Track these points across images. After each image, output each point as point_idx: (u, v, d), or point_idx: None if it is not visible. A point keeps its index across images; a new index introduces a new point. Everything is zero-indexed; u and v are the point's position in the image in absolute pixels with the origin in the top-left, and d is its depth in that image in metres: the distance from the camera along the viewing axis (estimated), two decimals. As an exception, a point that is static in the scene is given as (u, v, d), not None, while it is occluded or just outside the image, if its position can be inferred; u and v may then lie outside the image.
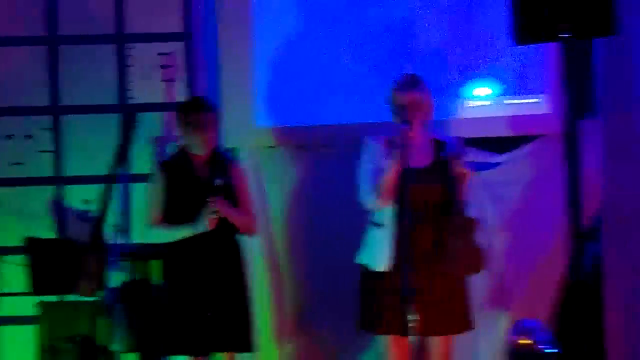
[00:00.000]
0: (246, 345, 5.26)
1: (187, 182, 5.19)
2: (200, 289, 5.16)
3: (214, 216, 5.05)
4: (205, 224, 5.08)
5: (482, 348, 5.86)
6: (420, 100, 5.01)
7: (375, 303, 5.06)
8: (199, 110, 5.18)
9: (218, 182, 5.10)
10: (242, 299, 5.25)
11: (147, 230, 5.25)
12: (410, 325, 4.72)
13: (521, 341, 5.21)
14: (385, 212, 5.02)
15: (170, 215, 5.18)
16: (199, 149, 5.19)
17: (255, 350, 5.32)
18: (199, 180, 5.18)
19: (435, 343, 5.03)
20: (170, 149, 5.67)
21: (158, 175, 5.24)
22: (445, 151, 5.05)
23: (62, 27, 6.26)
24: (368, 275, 5.09)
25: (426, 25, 5.95)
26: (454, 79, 5.91)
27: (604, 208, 5.51)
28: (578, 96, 5.28)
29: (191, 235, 5.13)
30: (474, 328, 5.04)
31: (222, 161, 5.27)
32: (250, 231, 5.30)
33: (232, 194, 5.22)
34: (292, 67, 5.99)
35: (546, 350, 5.16)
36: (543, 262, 5.75)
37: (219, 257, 5.19)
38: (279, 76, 6.01)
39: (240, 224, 5.21)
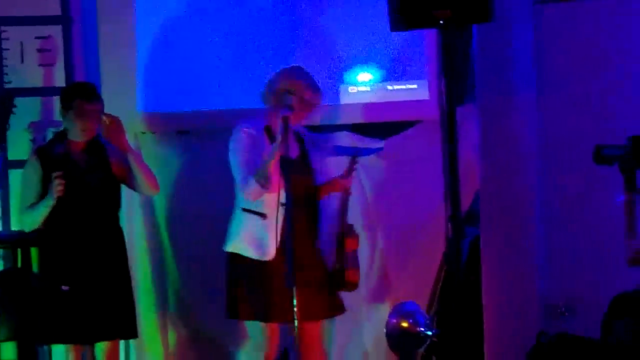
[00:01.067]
0: (129, 332, 5.16)
1: (63, 169, 5.02)
2: (78, 274, 5.02)
3: (60, 187, 4.93)
4: (54, 189, 4.94)
5: (365, 333, 5.85)
6: (299, 86, 4.96)
7: (255, 291, 4.98)
8: (84, 98, 5.04)
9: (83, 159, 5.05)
10: (123, 285, 5.14)
11: (20, 217, 5.12)
12: (294, 311, 4.68)
13: (400, 323, 5.23)
14: (266, 201, 4.91)
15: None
16: (79, 136, 5.07)
17: (137, 336, 5.23)
18: (76, 166, 5.06)
19: (306, 328, 4.95)
20: (48, 135, 5.53)
21: (33, 161, 5.10)
22: (305, 144, 5.06)
23: None
24: (244, 263, 5.00)
25: (309, 12, 5.85)
26: (337, 65, 5.82)
27: (481, 192, 5.50)
28: (456, 82, 5.21)
29: (66, 218, 5.01)
30: (344, 311, 5.05)
31: (99, 144, 5.15)
32: (152, 187, 5.18)
33: (110, 175, 5.12)
34: (173, 52, 5.89)
35: (424, 332, 5.19)
36: (423, 246, 5.75)
37: (98, 242, 5.08)
38: (161, 62, 5.89)
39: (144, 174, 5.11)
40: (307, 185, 4.98)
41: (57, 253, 5.06)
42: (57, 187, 4.93)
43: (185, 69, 5.89)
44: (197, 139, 5.88)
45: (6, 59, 5.98)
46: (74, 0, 5.98)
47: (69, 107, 5.04)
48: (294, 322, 4.74)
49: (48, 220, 5.05)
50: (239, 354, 5.77)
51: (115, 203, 5.15)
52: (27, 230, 5.12)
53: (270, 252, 4.91)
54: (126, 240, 5.25)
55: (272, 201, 4.86)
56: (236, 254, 4.99)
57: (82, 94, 5.05)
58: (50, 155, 5.09)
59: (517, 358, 5.19)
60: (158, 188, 5.24)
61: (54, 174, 4.93)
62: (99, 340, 5.11)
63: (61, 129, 5.22)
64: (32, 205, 5.04)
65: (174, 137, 5.94)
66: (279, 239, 4.86)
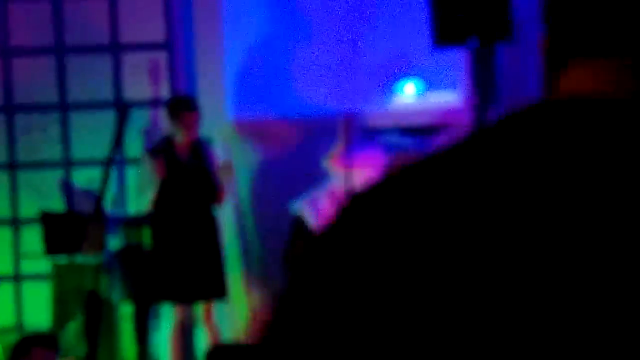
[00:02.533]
0: (221, 293, 5.42)
1: (170, 165, 5.36)
2: (183, 247, 5.33)
3: (160, 168, 5.23)
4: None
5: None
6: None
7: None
8: (187, 109, 5.35)
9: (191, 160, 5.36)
10: (217, 256, 5.43)
11: (139, 200, 5.35)
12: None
13: None
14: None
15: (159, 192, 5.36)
16: (182, 138, 5.37)
17: (226, 297, 5.47)
18: (180, 163, 5.39)
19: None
20: (156, 138, 5.78)
21: (147, 160, 5.41)
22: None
23: (68, 38, 6.30)
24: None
25: (366, 36, 6.00)
26: (388, 77, 5.98)
27: None
28: (484, 92, 5.36)
29: (172, 204, 5.29)
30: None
31: (200, 147, 5.46)
32: (219, 200, 5.48)
33: (207, 172, 5.42)
34: (256, 68, 6.05)
35: None
36: None
37: (198, 222, 5.38)
38: (247, 75, 6.07)
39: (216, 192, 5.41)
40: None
41: (166, 232, 5.38)
42: (158, 168, 5.22)
43: (268, 80, 6.05)
44: (277, 143, 6.03)
45: (123, 78, 6.27)
46: (175, 28, 6.21)
47: (176, 116, 5.36)
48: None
49: (158, 205, 5.35)
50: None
51: (212, 196, 5.41)
52: (145, 210, 5.39)
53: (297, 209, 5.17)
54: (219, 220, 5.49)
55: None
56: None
57: (185, 106, 5.36)
58: (161, 155, 5.41)
59: None
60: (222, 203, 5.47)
61: (154, 159, 5.23)
62: (197, 300, 5.40)
63: (168, 134, 5.50)
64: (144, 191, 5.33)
65: (260, 140, 6.09)
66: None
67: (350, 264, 0.58)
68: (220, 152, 5.71)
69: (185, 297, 5.41)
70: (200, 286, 5.38)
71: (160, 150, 5.48)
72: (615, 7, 0.63)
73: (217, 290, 5.47)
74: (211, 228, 5.47)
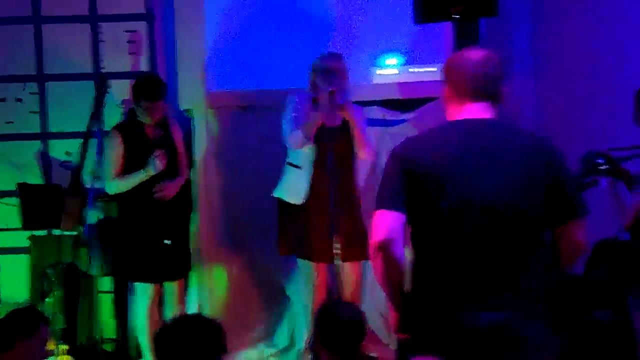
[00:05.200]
0: (185, 273, 5.31)
1: (141, 142, 5.11)
2: (155, 224, 5.12)
3: (162, 164, 5.03)
4: (157, 165, 5.04)
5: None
6: (342, 69, 5.06)
7: (296, 232, 5.07)
8: (150, 99, 5.02)
9: (156, 136, 5.10)
10: (184, 238, 5.27)
11: (107, 184, 5.14)
12: (335, 253, 4.80)
13: None
14: (302, 155, 5.05)
15: (127, 169, 5.10)
16: (148, 122, 5.10)
17: (187, 276, 5.36)
18: (149, 141, 5.12)
19: (347, 270, 5.04)
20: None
21: (114, 136, 5.12)
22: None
23: (45, 9, 6.12)
24: (287, 207, 5.10)
25: (347, 7, 5.86)
26: (369, 51, 5.83)
27: None
28: None
29: (146, 179, 5.05)
30: None
31: (165, 123, 5.19)
32: (182, 172, 5.25)
33: (172, 147, 5.19)
34: (237, 40, 5.87)
35: None
36: None
37: (167, 202, 5.12)
38: (226, 47, 5.88)
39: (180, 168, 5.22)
40: (344, 147, 5.01)
41: (134, 209, 5.12)
42: (159, 164, 5.00)
43: (244, 53, 5.85)
44: (255, 112, 5.83)
45: (102, 49, 6.03)
46: (155, 0, 6.00)
47: (138, 103, 5.04)
48: (328, 263, 4.86)
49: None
50: (290, 287, 5.77)
51: (176, 169, 5.18)
52: (110, 193, 5.14)
53: (301, 197, 5.01)
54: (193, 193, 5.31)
55: (307, 157, 5.03)
56: (279, 198, 5.11)
57: (147, 94, 5.01)
58: (129, 132, 5.12)
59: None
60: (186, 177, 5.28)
61: (156, 152, 5.00)
62: (166, 280, 5.21)
63: (130, 109, 5.21)
64: (123, 176, 5.06)
65: (236, 111, 5.88)
66: (308, 186, 4.99)
67: (395, 157, 3.06)
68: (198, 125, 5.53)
69: (155, 278, 5.20)
70: (169, 267, 5.19)
71: (128, 128, 5.16)
72: (482, 79, 3.03)
73: (184, 270, 5.32)
74: (180, 205, 5.25)
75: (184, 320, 3.31)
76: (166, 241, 5.12)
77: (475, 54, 3.05)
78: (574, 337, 4.99)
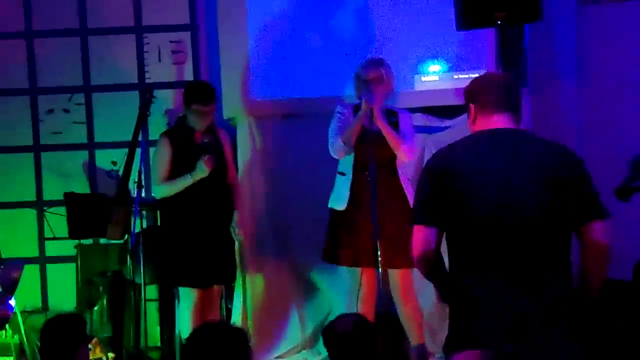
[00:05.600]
0: (233, 277, 5.32)
1: (189, 147, 5.13)
2: (200, 230, 5.12)
3: (207, 165, 5.02)
4: (204, 169, 5.04)
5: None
6: (381, 77, 5.05)
7: (341, 239, 5.05)
8: (201, 102, 5.07)
9: (205, 142, 5.10)
10: (229, 244, 5.27)
11: (154, 188, 5.17)
12: (378, 259, 4.73)
13: None
14: (346, 162, 5.04)
15: (174, 173, 5.13)
16: (198, 127, 5.12)
17: (234, 282, 5.37)
18: (197, 147, 5.14)
19: (396, 276, 5.00)
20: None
21: (163, 141, 5.16)
22: (397, 121, 5.08)
23: (90, 21, 6.16)
24: (334, 215, 5.09)
25: (389, 14, 5.81)
26: (412, 58, 5.78)
27: None
28: (511, 71, 5.14)
29: (191, 184, 5.05)
30: None
31: (214, 130, 5.23)
32: (233, 181, 5.29)
33: (220, 154, 5.20)
34: (280, 48, 5.86)
35: None
36: None
37: (213, 204, 5.15)
38: (268, 56, 5.88)
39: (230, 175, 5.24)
40: (385, 152, 4.98)
41: (182, 214, 5.14)
42: (206, 167, 5.01)
43: (287, 61, 5.84)
44: (299, 120, 5.81)
45: (147, 59, 6.11)
46: (199, 11, 6.04)
47: (189, 107, 5.07)
48: (375, 269, 4.78)
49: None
50: (334, 296, 5.71)
51: (224, 176, 5.20)
52: (158, 197, 5.19)
53: (344, 204, 4.99)
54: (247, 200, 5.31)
55: (349, 163, 5.02)
56: (331, 207, 5.10)
57: (200, 98, 5.06)
58: (178, 138, 5.16)
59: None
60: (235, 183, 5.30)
61: (203, 157, 5.02)
62: (214, 284, 5.22)
63: (180, 115, 5.26)
64: (171, 180, 5.10)
65: (280, 119, 5.88)
66: (349, 192, 4.97)
67: (428, 170, 3.30)
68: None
69: (203, 282, 5.20)
70: (217, 271, 5.21)
71: (176, 134, 5.20)
72: (507, 92, 3.30)
73: (231, 274, 5.34)
74: (226, 208, 5.25)
75: (208, 328, 3.31)
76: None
77: (496, 74, 3.75)
78: (628, 344, 4.92)
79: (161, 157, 5.14)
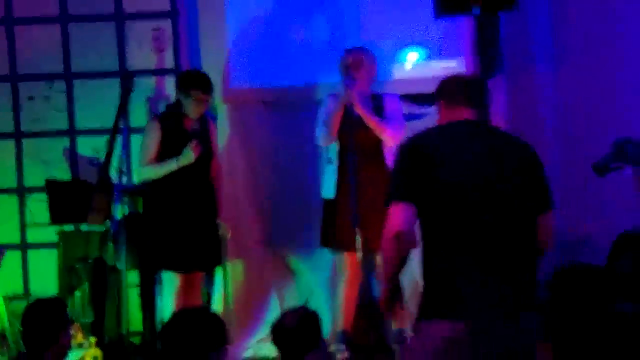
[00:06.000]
0: (218, 262, 5.33)
1: (178, 133, 5.15)
2: (184, 216, 5.14)
3: (194, 150, 5.05)
4: (190, 155, 5.06)
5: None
6: (360, 61, 5.06)
7: (329, 225, 5.09)
8: (201, 89, 5.10)
9: (194, 129, 5.11)
10: (214, 229, 5.27)
11: (138, 170, 5.17)
12: (358, 244, 4.79)
13: None
14: (332, 150, 5.06)
15: (161, 158, 5.15)
16: (193, 114, 5.15)
17: (220, 266, 5.35)
18: (186, 133, 5.17)
19: (379, 262, 4.98)
20: (162, 106, 5.58)
21: (153, 125, 5.18)
22: (380, 105, 5.09)
23: (71, 7, 6.11)
24: (325, 203, 5.13)
25: (370, 4, 5.84)
26: (390, 46, 5.78)
27: None
28: (487, 59, 5.22)
29: (175, 169, 5.08)
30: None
31: (204, 119, 5.26)
32: (217, 173, 5.31)
33: (207, 141, 5.21)
34: (259, 37, 5.86)
35: None
36: None
37: (197, 195, 5.17)
38: (249, 45, 5.88)
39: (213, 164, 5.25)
40: (368, 137, 5.00)
41: (166, 201, 5.16)
42: (193, 152, 5.03)
43: (268, 50, 5.84)
44: (278, 108, 5.81)
45: (127, 46, 6.06)
46: (179, 0, 5.99)
47: (188, 94, 5.09)
48: (356, 253, 4.84)
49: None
50: (316, 280, 5.76)
51: (209, 165, 5.24)
52: (140, 180, 5.20)
53: (332, 192, 5.04)
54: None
55: (335, 150, 5.06)
56: (323, 196, 5.14)
57: (200, 85, 5.10)
58: (168, 123, 5.19)
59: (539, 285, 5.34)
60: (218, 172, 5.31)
61: (190, 143, 5.04)
62: (198, 270, 5.24)
63: (173, 102, 5.28)
64: (157, 163, 5.12)
65: (260, 106, 5.87)
66: (336, 179, 5.00)
67: (403, 150, 3.48)
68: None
69: (187, 267, 5.23)
70: (201, 257, 5.24)
71: (167, 119, 5.22)
72: (473, 91, 3.60)
73: (214, 261, 5.34)
74: (210, 197, 5.28)
75: (184, 313, 3.40)
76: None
77: (463, 75, 4.08)
78: (597, 329, 4.97)
79: (149, 139, 5.16)
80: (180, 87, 5.17)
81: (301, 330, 3.59)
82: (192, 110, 5.15)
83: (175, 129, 5.17)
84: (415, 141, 3.48)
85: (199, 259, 5.22)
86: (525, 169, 3.44)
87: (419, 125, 5.54)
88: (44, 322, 3.71)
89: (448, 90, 3.60)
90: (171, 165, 5.11)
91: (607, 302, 5.00)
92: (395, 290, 3.48)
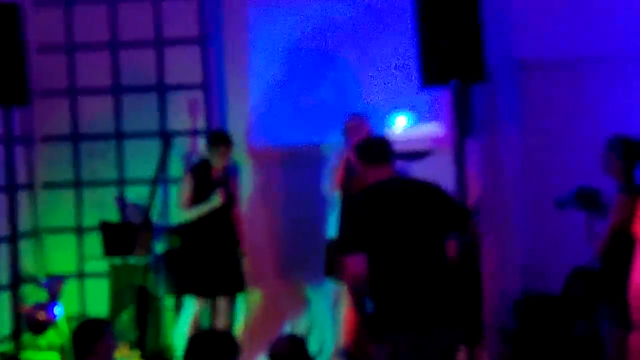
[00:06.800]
0: (240, 289, 5.36)
1: (207, 182, 5.27)
2: (210, 248, 5.20)
3: (221, 197, 5.16)
4: (218, 200, 5.17)
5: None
6: (356, 126, 5.16)
7: (332, 259, 5.19)
8: (225, 143, 5.27)
9: (219, 177, 5.26)
10: (237, 261, 5.32)
11: (177, 212, 5.26)
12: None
13: None
14: (335, 197, 5.19)
15: (195, 201, 5.26)
16: (218, 165, 5.29)
17: (244, 291, 5.39)
18: (213, 182, 5.28)
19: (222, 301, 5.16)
20: (195, 160, 5.65)
21: (189, 176, 5.31)
22: None
23: (123, 79, 6.20)
24: (328, 240, 5.25)
25: (366, 72, 5.87)
26: (383, 111, 5.84)
27: (481, 194, 5.56)
28: (463, 123, 5.19)
29: (207, 211, 5.16)
30: None
31: (227, 172, 5.38)
32: (237, 217, 5.38)
33: (228, 189, 5.32)
34: (276, 105, 5.93)
35: None
36: None
37: (224, 227, 5.25)
38: (268, 110, 5.93)
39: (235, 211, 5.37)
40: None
41: (198, 238, 5.24)
42: (220, 198, 5.16)
43: (281, 113, 5.89)
44: (292, 164, 5.85)
45: (167, 112, 6.08)
46: (211, 73, 6.03)
47: (216, 149, 5.25)
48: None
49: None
50: (323, 307, 5.74)
51: (231, 208, 5.34)
52: (179, 221, 5.24)
53: (334, 231, 5.13)
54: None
55: (339, 197, 5.19)
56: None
57: (224, 142, 5.28)
58: (199, 174, 5.31)
59: (506, 308, 5.25)
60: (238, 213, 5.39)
61: (218, 189, 5.18)
62: (220, 294, 5.28)
63: (204, 158, 5.37)
64: (192, 206, 5.21)
65: (277, 162, 5.91)
66: (337, 222, 5.11)
67: (355, 201, 3.94)
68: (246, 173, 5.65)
69: (210, 292, 5.31)
70: (222, 283, 5.29)
71: (198, 171, 5.35)
72: (385, 150, 3.99)
73: (234, 287, 5.38)
74: (232, 233, 5.36)
75: (202, 335, 3.42)
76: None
77: (374, 138, 4.18)
78: (557, 348, 4.95)
79: (185, 189, 5.29)
80: (209, 143, 5.31)
81: (294, 355, 3.59)
82: (217, 162, 5.27)
83: (204, 179, 5.28)
84: (361, 200, 3.87)
85: (220, 285, 5.27)
86: (437, 206, 3.84)
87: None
88: (83, 336, 3.75)
89: (369, 154, 3.95)
90: (203, 208, 5.20)
91: (565, 325, 5.01)
92: (362, 308, 3.80)
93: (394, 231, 3.75)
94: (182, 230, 5.33)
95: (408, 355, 3.64)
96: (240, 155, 5.94)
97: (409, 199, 3.83)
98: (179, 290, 5.41)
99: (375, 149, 3.96)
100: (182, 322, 5.33)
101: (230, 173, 5.43)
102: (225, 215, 5.32)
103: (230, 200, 5.34)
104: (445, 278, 3.77)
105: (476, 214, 5.55)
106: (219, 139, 5.29)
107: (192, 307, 5.27)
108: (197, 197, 5.29)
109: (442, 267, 3.80)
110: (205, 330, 3.74)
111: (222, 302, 5.35)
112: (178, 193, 5.37)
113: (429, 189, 3.91)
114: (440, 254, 3.81)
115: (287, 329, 5.41)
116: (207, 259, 5.25)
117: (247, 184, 5.96)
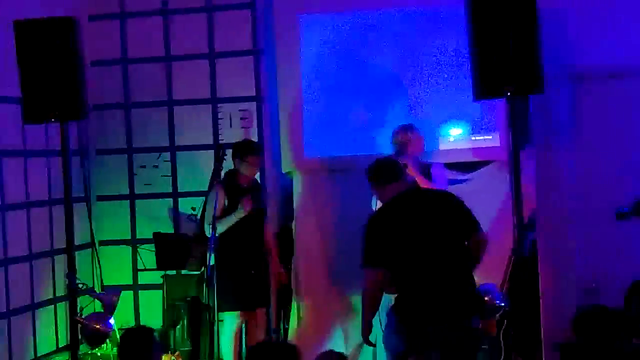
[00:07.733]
0: (268, 301, 5.40)
1: (236, 192, 5.26)
2: (246, 265, 5.22)
3: (245, 206, 5.15)
4: (242, 210, 5.17)
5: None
6: (409, 139, 5.14)
7: None
8: (255, 154, 5.27)
9: (245, 185, 5.29)
10: (267, 267, 5.35)
11: (208, 225, 5.19)
12: None
13: (483, 298, 5.08)
14: None
15: (225, 211, 5.24)
16: (250, 174, 5.30)
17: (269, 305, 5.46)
18: (243, 190, 5.28)
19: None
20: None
21: (219, 189, 5.25)
22: (429, 173, 5.15)
23: (175, 93, 6.26)
24: None
25: (418, 84, 5.84)
26: (437, 122, 5.82)
27: (537, 209, 5.48)
28: (519, 134, 5.14)
29: (233, 222, 5.16)
30: None
31: (256, 182, 5.42)
32: (268, 232, 5.42)
33: (258, 201, 5.34)
34: (327, 117, 5.94)
35: (499, 304, 5.12)
36: (497, 244, 5.45)
37: (255, 241, 5.27)
38: (319, 123, 5.96)
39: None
40: None
41: (233, 250, 5.24)
42: (247, 206, 5.17)
43: (332, 126, 5.92)
44: (341, 175, 5.84)
45: (220, 124, 6.15)
46: (263, 86, 6.08)
47: (245, 159, 5.25)
48: None
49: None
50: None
51: (263, 215, 5.37)
52: (208, 234, 5.16)
53: None
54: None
55: None
56: None
57: (254, 152, 5.27)
58: (229, 184, 5.30)
59: (563, 323, 5.09)
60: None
61: (242, 199, 5.17)
62: (258, 307, 5.33)
63: (232, 169, 5.35)
64: (222, 218, 5.17)
65: (327, 173, 5.92)
66: None
67: (371, 223, 4.21)
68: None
69: (249, 305, 5.34)
70: (260, 295, 5.34)
71: (227, 182, 5.33)
72: (393, 169, 4.36)
73: (267, 298, 5.46)
74: (262, 242, 5.40)
75: (264, 346, 3.40)
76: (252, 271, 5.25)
77: (383, 160, 4.42)
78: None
79: (216, 200, 5.24)
80: (237, 154, 5.27)
81: None
82: (248, 171, 5.27)
83: (235, 189, 5.27)
84: (376, 217, 4.22)
85: (257, 298, 5.27)
86: (454, 213, 4.17)
87: (461, 189, 5.66)
88: (128, 345, 3.75)
89: (379, 175, 4.27)
90: (232, 218, 5.19)
91: (622, 340, 4.92)
92: (369, 322, 4.19)
93: (414, 241, 4.10)
94: (219, 244, 5.27)
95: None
96: (292, 166, 5.96)
97: (424, 209, 4.16)
98: (219, 306, 5.37)
99: (384, 170, 4.26)
100: (224, 339, 5.31)
101: (259, 185, 5.40)
102: (257, 227, 5.28)
103: (260, 211, 5.31)
104: (471, 282, 4.16)
105: (531, 229, 5.48)
106: (250, 149, 5.28)
107: (231, 322, 5.27)
108: (230, 206, 5.25)
109: (466, 271, 4.16)
110: (265, 341, 3.77)
111: (257, 315, 5.34)
112: (207, 206, 5.28)
113: (442, 197, 4.26)
114: (462, 258, 4.15)
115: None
116: (240, 273, 5.22)
117: (298, 194, 5.96)
